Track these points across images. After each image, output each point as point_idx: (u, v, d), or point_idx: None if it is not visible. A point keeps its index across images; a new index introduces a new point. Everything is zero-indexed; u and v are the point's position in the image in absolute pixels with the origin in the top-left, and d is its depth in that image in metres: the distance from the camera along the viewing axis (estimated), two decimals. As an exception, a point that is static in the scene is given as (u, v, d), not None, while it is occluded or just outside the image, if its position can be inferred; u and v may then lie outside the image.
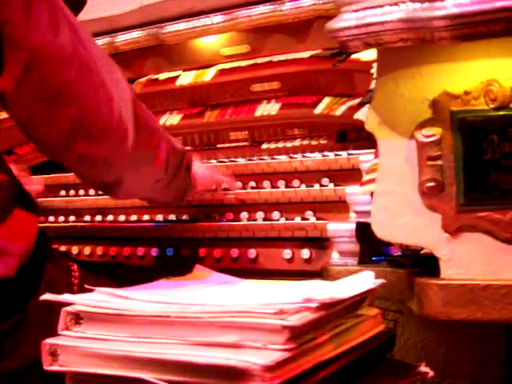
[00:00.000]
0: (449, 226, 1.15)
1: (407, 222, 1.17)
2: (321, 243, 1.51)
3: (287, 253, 1.54)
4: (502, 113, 1.12)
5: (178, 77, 2.02)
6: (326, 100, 1.78)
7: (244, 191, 1.69)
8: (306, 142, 1.81)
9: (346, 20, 1.14)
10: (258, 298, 1.02)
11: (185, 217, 1.75)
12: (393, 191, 1.17)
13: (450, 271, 1.15)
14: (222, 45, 1.97)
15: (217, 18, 1.91)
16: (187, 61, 2.02)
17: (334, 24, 1.16)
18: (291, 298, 0.96)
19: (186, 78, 2.00)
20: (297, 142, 1.82)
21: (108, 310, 1.02)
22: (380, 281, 1.20)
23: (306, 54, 1.82)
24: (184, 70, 2.02)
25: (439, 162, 1.15)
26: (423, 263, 1.26)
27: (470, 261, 1.15)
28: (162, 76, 2.04)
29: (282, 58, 1.86)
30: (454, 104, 1.15)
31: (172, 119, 2.01)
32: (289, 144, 1.83)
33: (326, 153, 1.67)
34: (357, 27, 1.13)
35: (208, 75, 1.96)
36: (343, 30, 1.15)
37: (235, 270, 1.49)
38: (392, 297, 1.32)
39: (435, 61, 1.15)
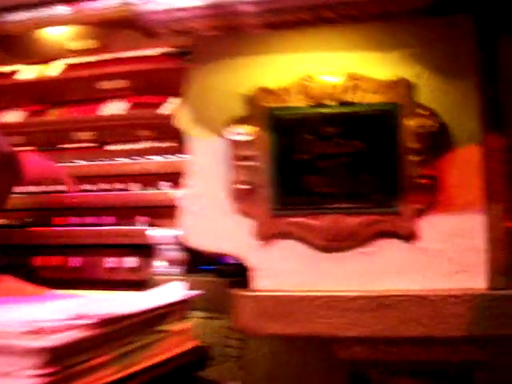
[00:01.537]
0: (262, 233, 1.05)
1: (217, 227, 1.06)
2: (150, 251, 1.39)
3: (112, 261, 1.41)
4: (318, 110, 1.04)
5: (20, 71, 1.85)
6: (174, 100, 1.66)
7: (73, 194, 1.55)
8: (154, 144, 1.70)
9: (153, 2, 1.03)
10: (22, 315, 0.88)
11: (8, 222, 1.59)
12: (202, 194, 1.06)
13: (264, 282, 1.06)
14: (68, 39, 1.82)
15: (61, 9, 1.77)
16: (30, 54, 1.86)
17: (141, 8, 1.05)
18: (57, 314, 0.83)
19: (28, 73, 1.84)
20: (145, 144, 1.70)
21: None
22: (195, 292, 1.10)
23: (155, 52, 1.71)
24: (27, 64, 1.86)
25: (253, 163, 1.05)
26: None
27: (285, 271, 1.05)
28: (3, 69, 1.87)
29: (131, 54, 1.74)
30: (270, 100, 1.05)
31: (13, 116, 1.84)
32: (136, 146, 1.71)
33: (168, 156, 1.56)
34: (164, 12, 1.03)
35: (53, 70, 1.81)
36: (150, 14, 1.04)
37: (57, 279, 1.35)
38: (213, 309, 1.21)
39: (250, 53, 1.06)
